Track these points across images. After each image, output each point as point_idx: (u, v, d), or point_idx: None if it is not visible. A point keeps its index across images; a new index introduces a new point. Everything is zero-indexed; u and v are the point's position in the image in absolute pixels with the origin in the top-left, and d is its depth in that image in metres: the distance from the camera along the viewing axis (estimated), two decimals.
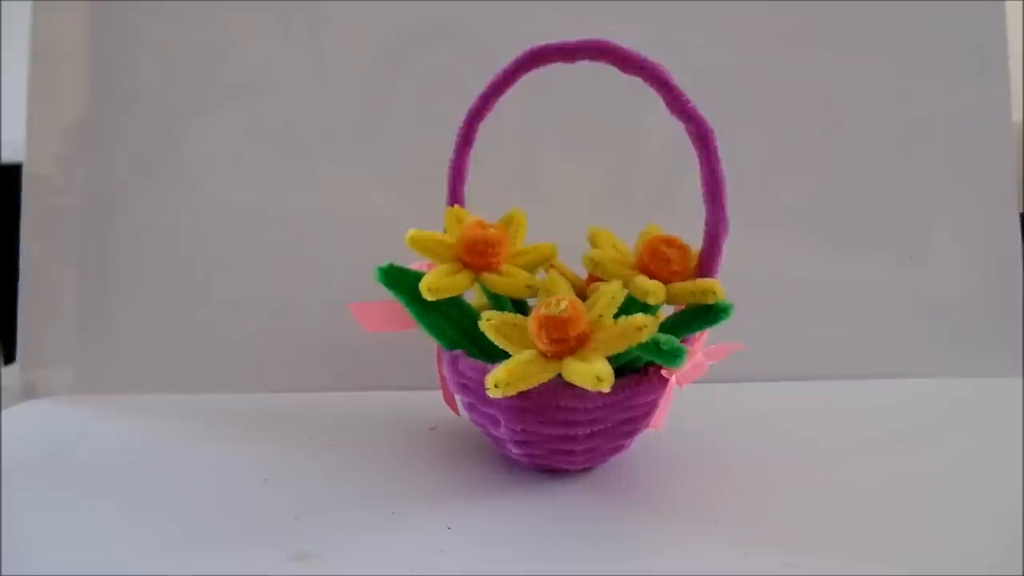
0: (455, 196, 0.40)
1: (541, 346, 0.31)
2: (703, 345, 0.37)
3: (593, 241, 0.39)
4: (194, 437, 0.43)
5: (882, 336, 0.55)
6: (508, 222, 0.40)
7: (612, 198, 0.54)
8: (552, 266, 0.39)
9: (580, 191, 0.53)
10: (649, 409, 0.36)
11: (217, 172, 0.51)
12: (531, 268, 0.38)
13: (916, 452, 0.42)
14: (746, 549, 0.32)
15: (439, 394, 0.41)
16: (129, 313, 0.50)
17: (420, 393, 0.45)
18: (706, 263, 0.35)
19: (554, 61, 0.35)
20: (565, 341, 0.31)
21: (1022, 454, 0.40)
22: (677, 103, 0.33)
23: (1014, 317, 0.56)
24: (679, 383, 0.37)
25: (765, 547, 0.32)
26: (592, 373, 0.29)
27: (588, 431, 0.35)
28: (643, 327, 0.31)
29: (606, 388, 0.29)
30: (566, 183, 0.53)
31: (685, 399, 0.40)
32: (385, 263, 0.35)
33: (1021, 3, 0.62)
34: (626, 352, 0.31)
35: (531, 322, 0.31)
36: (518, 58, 0.36)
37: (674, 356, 0.31)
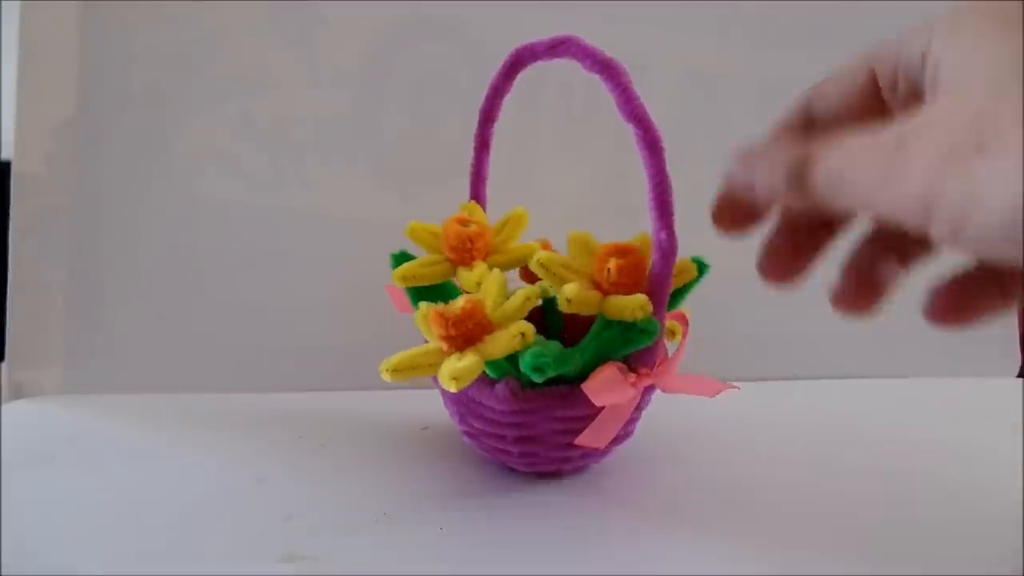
0: (476, 196, 0.41)
1: (431, 339, 0.32)
2: (678, 365, 0.36)
3: (570, 247, 0.37)
4: (184, 437, 0.42)
5: (880, 335, 0.55)
6: (505, 220, 0.40)
7: (606, 197, 0.53)
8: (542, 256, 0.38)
9: (574, 190, 0.53)
10: (581, 425, 0.34)
11: (208, 171, 0.51)
12: (507, 267, 0.38)
13: (915, 452, 0.41)
14: (740, 550, 0.31)
15: (431, 393, 0.41)
16: (119, 313, 0.50)
17: (412, 392, 0.45)
18: (656, 279, 0.33)
19: (532, 60, 0.35)
20: (453, 338, 0.31)
21: (1022, 454, 0.40)
22: (628, 106, 0.31)
23: (1010, 316, 0.56)
24: (664, 389, 0.36)
25: (761, 548, 0.32)
26: (448, 371, 0.30)
27: (516, 434, 0.35)
28: (522, 334, 0.31)
29: (454, 388, 0.30)
30: (560, 182, 0.53)
31: (678, 399, 0.40)
32: (397, 251, 0.37)
33: None
34: (603, 342, 0.32)
35: (423, 314, 0.32)
36: (505, 63, 0.36)
37: (645, 336, 0.32)
